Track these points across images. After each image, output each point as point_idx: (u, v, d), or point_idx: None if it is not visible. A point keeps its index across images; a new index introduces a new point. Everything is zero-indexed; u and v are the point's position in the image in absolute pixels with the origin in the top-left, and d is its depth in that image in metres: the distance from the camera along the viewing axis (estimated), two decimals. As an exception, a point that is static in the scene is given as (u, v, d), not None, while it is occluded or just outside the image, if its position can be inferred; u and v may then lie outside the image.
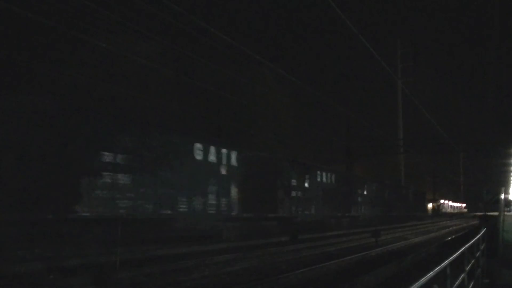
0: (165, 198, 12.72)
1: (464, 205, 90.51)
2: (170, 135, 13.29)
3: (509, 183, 43.56)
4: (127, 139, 11.59)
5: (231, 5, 28.11)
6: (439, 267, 3.42)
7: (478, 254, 6.98)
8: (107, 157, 11.01)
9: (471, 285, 5.74)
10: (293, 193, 20.13)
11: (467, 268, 5.29)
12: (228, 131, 22.66)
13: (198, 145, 14.33)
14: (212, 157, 14.96)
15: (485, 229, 9.19)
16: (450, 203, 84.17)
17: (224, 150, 15.54)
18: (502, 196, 16.26)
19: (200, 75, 19.08)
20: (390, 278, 9.31)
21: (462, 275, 4.88)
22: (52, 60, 16.14)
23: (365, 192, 30.33)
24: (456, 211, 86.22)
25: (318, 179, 22.92)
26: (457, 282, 4.52)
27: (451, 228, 31.96)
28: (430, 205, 62.83)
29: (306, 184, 21.50)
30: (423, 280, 2.75)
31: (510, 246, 10.71)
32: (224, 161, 15.55)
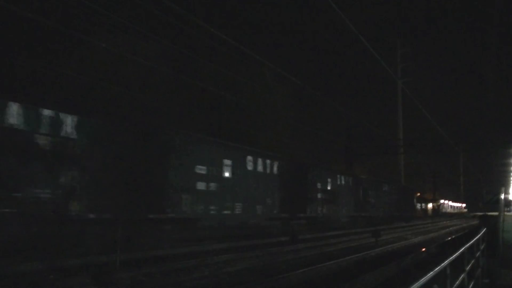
0: None
1: (464, 205, 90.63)
2: None
3: (509, 183, 43.59)
4: None
5: (231, 5, 28.14)
6: (439, 267, 3.41)
7: (478, 254, 6.99)
8: None
9: (471, 285, 5.74)
10: (200, 185, 14.40)
11: (467, 268, 5.29)
12: (228, 131, 22.69)
13: None
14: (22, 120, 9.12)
15: (485, 229, 9.19)
16: (450, 203, 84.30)
17: (63, 116, 9.79)
18: (502, 196, 16.27)
19: (200, 75, 19.11)
20: (390, 278, 9.30)
21: (462, 275, 4.88)
22: (52, 60, 16.15)
23: (328, 187, 24.50)
24: (456, 211, 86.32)
25: (250, 168, 17.19)
26: (457, 282, 4.52)
27: (451, 228, 31.93)
28: (430, 205, 62.90)
29: (227, 174, 15.87)
30: (423, 280, 2.75)
31: (510, 246, 10.72)
32: (58, 130, 9.81)
